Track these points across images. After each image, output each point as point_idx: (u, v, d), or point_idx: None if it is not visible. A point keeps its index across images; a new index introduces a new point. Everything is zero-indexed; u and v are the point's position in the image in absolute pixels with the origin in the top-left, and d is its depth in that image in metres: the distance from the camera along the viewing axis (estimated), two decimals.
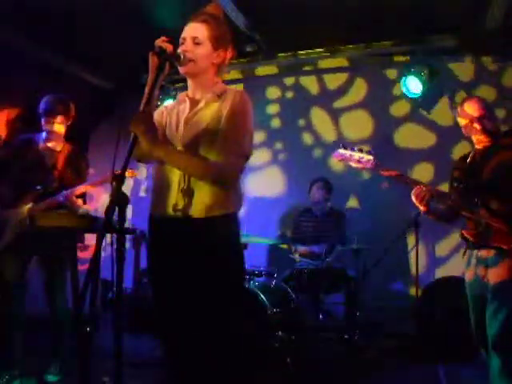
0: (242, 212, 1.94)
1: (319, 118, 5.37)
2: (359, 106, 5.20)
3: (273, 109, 5.58)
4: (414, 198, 2.50)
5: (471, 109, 2.54)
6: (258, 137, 5.48)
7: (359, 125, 5.17)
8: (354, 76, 5.23)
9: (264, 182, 5.48)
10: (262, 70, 5.56)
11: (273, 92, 5.60)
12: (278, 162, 5.51)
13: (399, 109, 5.03)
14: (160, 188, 1.92)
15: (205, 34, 1.88)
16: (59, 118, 3.14)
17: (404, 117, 5.03)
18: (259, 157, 5.48)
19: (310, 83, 5.44)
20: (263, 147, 5.52)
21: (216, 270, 1.82)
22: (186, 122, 1.91)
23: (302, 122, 5.44)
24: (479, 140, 2.55)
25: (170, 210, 1.85)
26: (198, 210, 1.82)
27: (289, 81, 5.54)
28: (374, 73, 5.06)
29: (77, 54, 4.82)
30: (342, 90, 5.29)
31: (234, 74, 5.57)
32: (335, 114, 5.30)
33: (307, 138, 5.42)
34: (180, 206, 1.83)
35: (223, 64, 1.97)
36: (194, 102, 1.95)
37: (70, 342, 3.09)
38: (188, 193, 1.83)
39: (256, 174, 5.44)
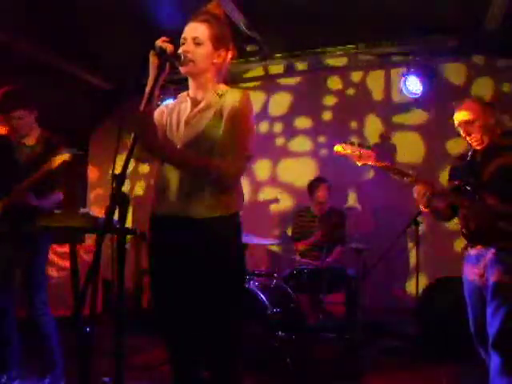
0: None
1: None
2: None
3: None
4: (415, 195, 2.51)
5: (463, 111, 2.56)
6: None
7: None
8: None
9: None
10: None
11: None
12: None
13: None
14: (161, 187, 1.91)
15: (205, 33, 1.87)
16: (18, 113, 2.90)
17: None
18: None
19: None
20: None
21: (216, 271, 1.82)
22: (187, 122, 1.91)
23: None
24: (470, 142, 2.57)
25: (171, 210, 1.85)
26: (198, 210, 1.82)
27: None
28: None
29: (77, 54, 4.82)
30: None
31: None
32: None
33: None
34: (180, 206, 1.83)
35: (224, 64, 1.96)
36: (194, 102, 1.94)
37: (63, 343, 2.98)
38: (189, 193, 1.83)
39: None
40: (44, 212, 2.88)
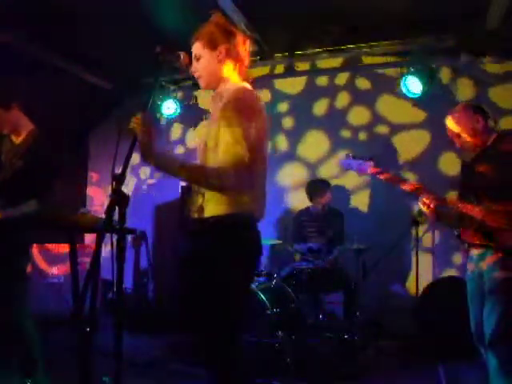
0: None
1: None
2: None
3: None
4: (421, 207, 2.52)
5: (450, 124, 2.62)
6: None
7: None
8: None
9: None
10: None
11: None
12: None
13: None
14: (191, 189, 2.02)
15: (199, 47, 1.97)
16: None
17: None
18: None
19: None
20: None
21: (216, 271, 1.83)
22: (200, 137, 2.02)
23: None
24: (462, 150, 2.62)
25: (191, 211, 1.95)
26: (207, 210, 1.88)
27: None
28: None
29: (77, 54, 4.83)
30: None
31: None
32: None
33: None
34: (197, 207, 1.91)
35: (232, 53, 1.97)
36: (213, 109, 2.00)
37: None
38: (202, 194, 1.90)
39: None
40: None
